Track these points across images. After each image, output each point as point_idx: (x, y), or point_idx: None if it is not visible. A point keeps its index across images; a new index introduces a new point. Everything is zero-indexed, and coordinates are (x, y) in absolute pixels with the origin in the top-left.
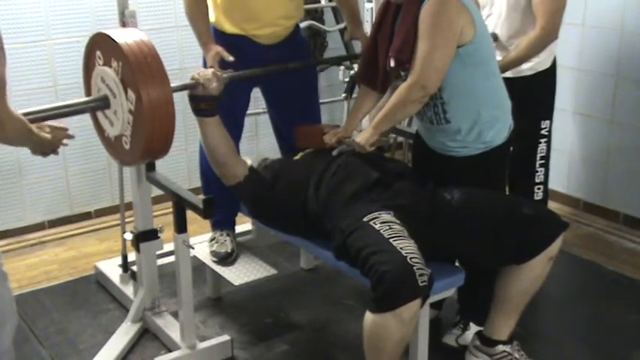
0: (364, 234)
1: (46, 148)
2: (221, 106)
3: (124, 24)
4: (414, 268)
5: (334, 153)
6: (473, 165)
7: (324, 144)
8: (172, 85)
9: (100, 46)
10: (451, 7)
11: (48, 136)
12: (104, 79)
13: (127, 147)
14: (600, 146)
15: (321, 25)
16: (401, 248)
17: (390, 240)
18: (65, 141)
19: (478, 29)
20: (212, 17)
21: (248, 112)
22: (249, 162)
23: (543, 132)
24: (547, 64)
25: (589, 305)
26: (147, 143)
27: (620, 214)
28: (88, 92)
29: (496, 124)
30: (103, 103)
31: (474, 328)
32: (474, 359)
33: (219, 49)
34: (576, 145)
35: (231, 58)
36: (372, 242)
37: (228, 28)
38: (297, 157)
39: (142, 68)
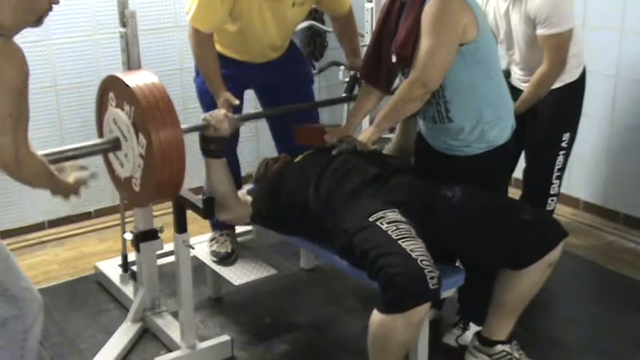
0: (371, 235)
1: (67, 191)
2: (214, 108)
3: (123, 24)
4: (425, 271)
5: (334, 152)
6: (475, 164)
7: (325, 143)
8: (183, 126)
9: (113, 88)
10: (454, 6)
11: (70, 179)
12: (116, 121)
13: (137, 189)
14: (600, 146)
15: (321, 25)
16: (411, 250)
17: (399, 241)
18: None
19: (481, 29)
20: None
21: (249, 112)
22: (249, 199)
23: (563, 144)
24: (576, 76)
25: (589, 305)
26: (157, 187)
27: (620, 214)
28: (100, 132)
29: (499, 124)
30: (115, 145)
31: (473, 328)
32: (473, 359)
33: (227, 95)
34: (576, 145)
35: (236, 102)
36: (380, 244)
37: (226, 53)
38: (297, 160)
39: (154, 114)
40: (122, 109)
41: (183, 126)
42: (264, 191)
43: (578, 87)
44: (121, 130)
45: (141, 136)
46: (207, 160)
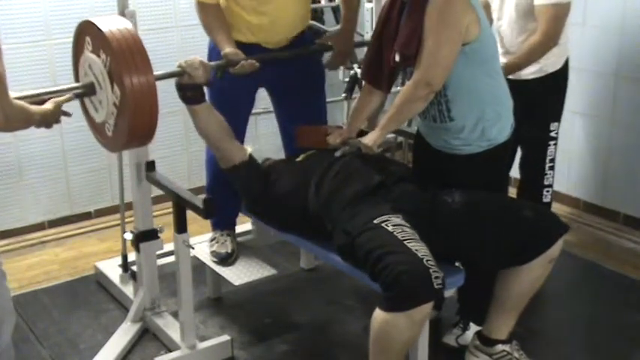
0: (376, 235)
1: (50, 118)
2: (226, 106)
3: None
4: (430, 270)
5: (337, 154)
6: (476, 162)
7: (327, 144)
8: (158, 72)
9: (89, 33)
10: (457, 5)
11: (48, 106)
12: (92, 67)
13: (110, 134)
14: (600, 146)
15: (321, 25)
16: (416, 250)
17: (405, 242)
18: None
19: (483, 27)
20: None
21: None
22: (249, 149)
23: (552, 134)
24: (558, 66)
25: (589, 305)
26: (129, 135)
27: (620, 214)
28: (76, 75)
29: (499, 122)
30: (90, 90)
31: (474, 328)
32: (474, 359)
33: (231, 50)
34: (576, 144)
35: (240, 55)
36: (386, 243)
37: (240, 38)
38: (299, 159)
39: (129, 67)
40: (98, 56)
41: (157, 72)
42: (258, 172)
43: (561, 76)
44: (96, 77)
45: (115, 87)
46: (189, 108)
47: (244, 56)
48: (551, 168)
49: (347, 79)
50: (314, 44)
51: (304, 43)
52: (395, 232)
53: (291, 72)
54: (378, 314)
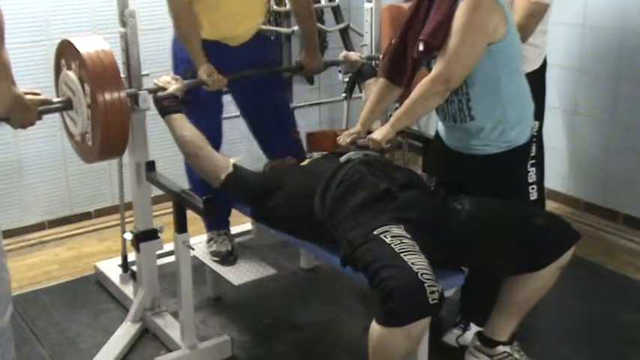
0: (374, 247)
1: (28, 116)
2: (203, 116)
3: (123, 24)
4: (425, 285)
5: (342, 160)
6: (494, 163)
7: (338, 147)
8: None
9: (64, 53)
10: (486, 7)
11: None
12: (67, 82)
13: (90, 143)
14: (600, 146)
15: (321, 26)
16: (412, 263)
17: (402, 254)
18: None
19: (509, 26)
20: None
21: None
22: (232, 160)
23: (533, 132)
24: (536, 65)
25: (589, 305)
26: (103, 132)
27: (620, 214)
28: (58, 95)
29: (519, 125)
30: (67, 105)
31: (474, 328)
32: (473, 359)
33: (208, 68)
34: (576, 145)
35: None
36: (383, 256)
37: (202, 35)
38: (304, 163)
39: (94, 63)
40: (71, 68)
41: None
42: (250, 177)
43: (540, 75)
44: (71, 89)
45: (86, 86)
46: (167, 119)
47: (217, 75)
48: (534, 165)
49: (347, 79)
50: (270, 41)
51: (264, 43)
52: (393, 244)
53: (252, 63)
54: (375, 328)
